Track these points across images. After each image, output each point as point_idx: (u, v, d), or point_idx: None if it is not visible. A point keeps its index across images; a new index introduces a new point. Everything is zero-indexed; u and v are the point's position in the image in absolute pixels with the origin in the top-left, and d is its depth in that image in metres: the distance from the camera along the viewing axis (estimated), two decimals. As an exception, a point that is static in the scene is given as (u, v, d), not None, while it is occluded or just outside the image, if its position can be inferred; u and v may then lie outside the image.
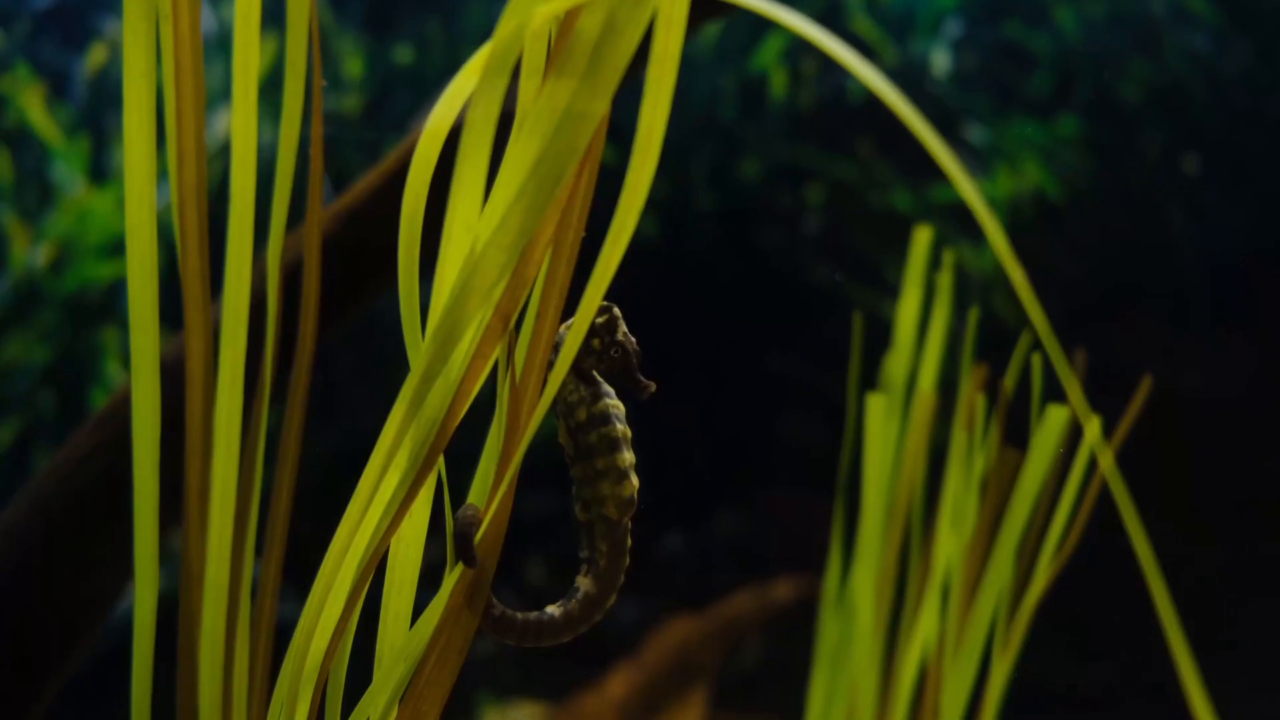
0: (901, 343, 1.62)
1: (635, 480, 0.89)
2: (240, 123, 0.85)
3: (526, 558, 3.14)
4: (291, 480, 0.90)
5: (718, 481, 3.46)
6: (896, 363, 1.60)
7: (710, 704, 2.80)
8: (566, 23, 0.73)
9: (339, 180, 2.96)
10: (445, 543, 0.88)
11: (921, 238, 1.63)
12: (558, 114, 0.69)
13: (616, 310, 0.91)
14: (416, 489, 0.85)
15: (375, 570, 0.89)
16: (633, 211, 0.78)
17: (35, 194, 2.93)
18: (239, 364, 0.86)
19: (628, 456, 0.89)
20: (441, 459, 0.86)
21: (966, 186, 0.69)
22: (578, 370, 0.89)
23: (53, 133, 2.91)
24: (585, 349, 0.89)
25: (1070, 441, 1.48)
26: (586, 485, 0.90)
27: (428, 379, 0.81)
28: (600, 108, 0.69)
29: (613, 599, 0.91)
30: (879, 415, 1.57)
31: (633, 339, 0.90)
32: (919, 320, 1.64)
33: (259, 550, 0.94)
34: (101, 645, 2.51)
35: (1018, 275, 0.70)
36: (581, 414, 0.89)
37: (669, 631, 2.78)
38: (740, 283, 3.44)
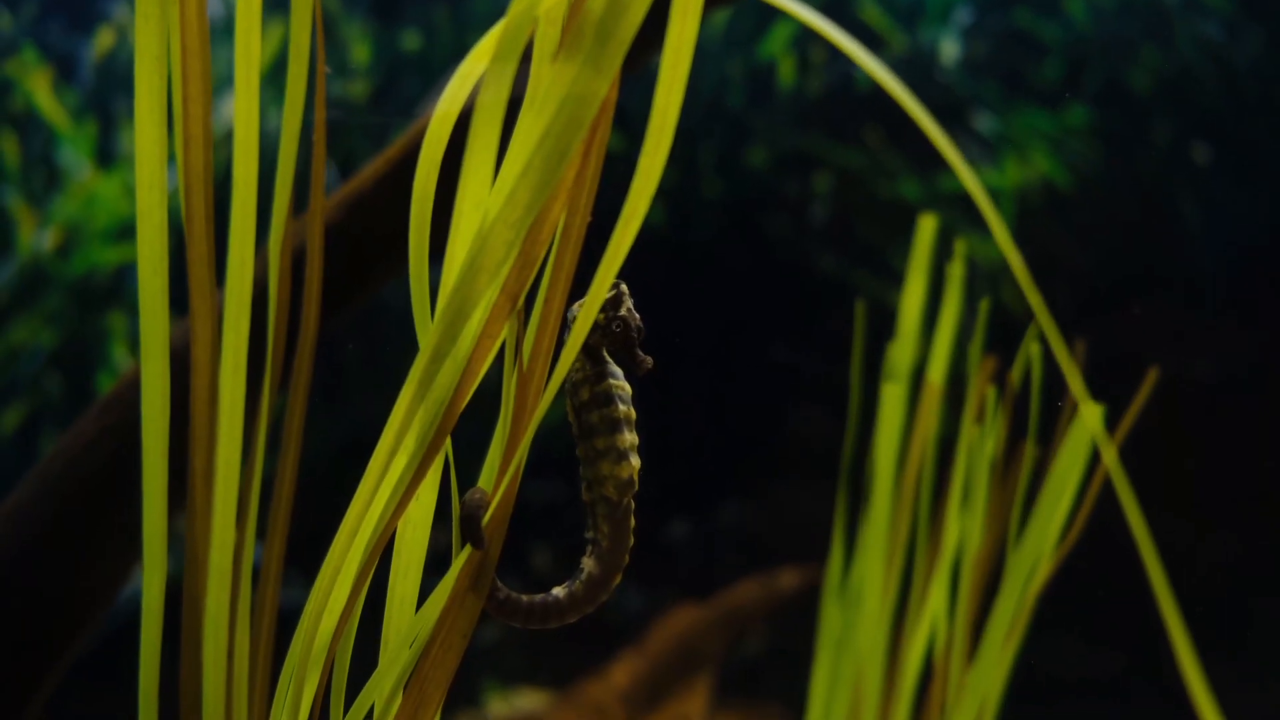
0: (906, 331, 1.61)
1: (636, 462, 0.89)
2: (243, 109, 0.85)
3: (534, 543, 3.14)
4: (294, 466, 0.90)
5: (723, 470, 3.46)
6: (901, 352, 1.60)
7: (714, 692, 2.80)
8: (576, 3, 0.73)
9: (345, 166, 2.95)
10: (451, 528, 0.88)
11: (926, 226, 1.63)
12: (563, 91, 0.70)
13: (624, 287, 0.91)
14: (424, 470, 0.85)
15: (383, 553, 0.89)
16: (645, 195, 0.77)
17: (42, 178, 2.93)
18: (241, 350, 0.86)
19: (628, 437, 0.89)
20: (449, 444, 0.86)
21: (967, 176, 0.69)
22: (585, 347, 0.90)
23: (60, 117, 2.91)
24: (592, 325, 0.90)
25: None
26: (588, 465, 0.90)
27: (437, 358, 0.81)
28: (604, 84, 0.69)
29: (617, 579, 0.91)
30: (889, 405, 1.57)
31: (636, 316, 0.91)
32: (923, 309, 1.64)
33: (263, 536, 0.95)
34: (110, 626, 2.52)
35: (1018, 263, 0.70)
36: (585, 393, 0.90)
37: (673, 620, 2.78)
38: (747, 271, 3.43)
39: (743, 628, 2.89)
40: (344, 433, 2.91)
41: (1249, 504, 2.94)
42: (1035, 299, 0.71)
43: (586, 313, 0.81)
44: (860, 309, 1.65)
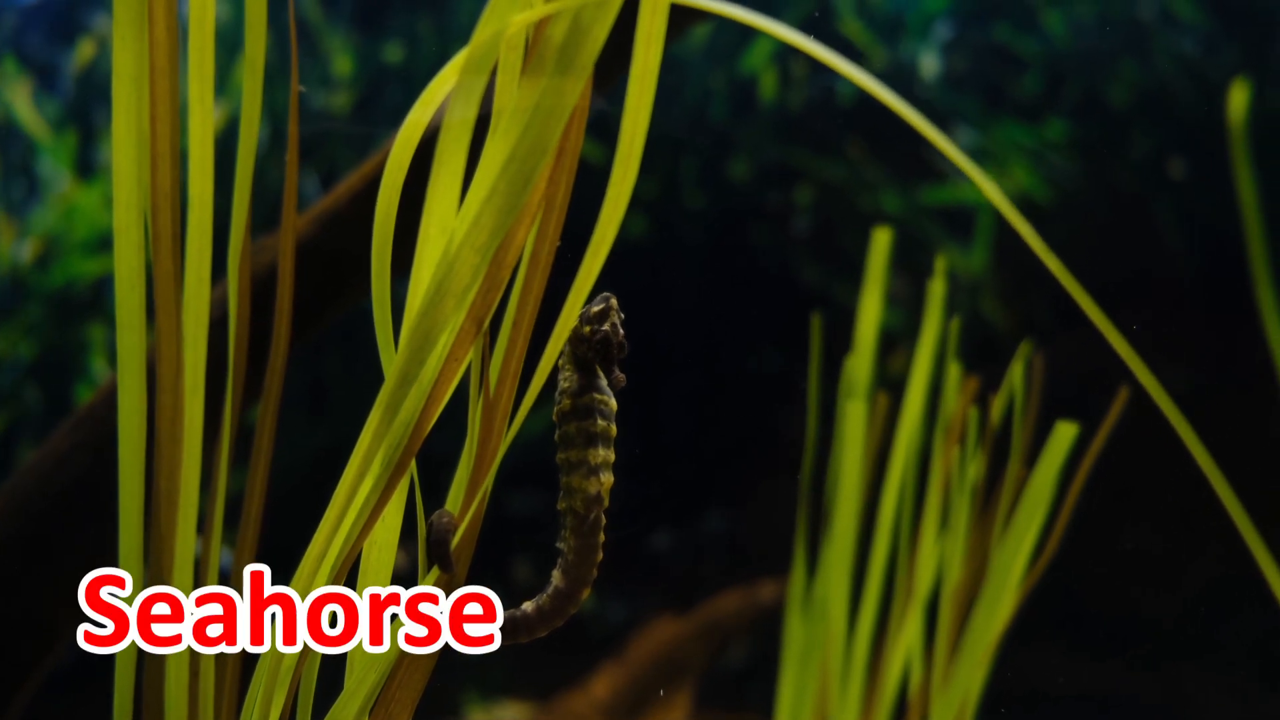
0: (862, 344, 1.62)
1: (605, 479, 0.90)
2: (197, 127, 0.85)
3: (514, 555, 3.13)
4: (263, 484, 0.90)
5: (708, 480, 3.46)
6: (859, 365, 1.61)
7: (695, 704, 2.80)
8: (539, 30, 0.73)
9: (328, 178, 2.95)
10: (417, 547, 0.88)
11: (881, 240, 1.65)
12: (526, 116, 0.70)
13: (613, 301, 0.92)
14: (389, 493, 0.85)
15: (350, 574, 0.89)
16: (614, 222, 0.78)
17: (21, 188, 2.92)
18: (200, 367, 0.86)
19: (601, 453, 0.89)
20: (414, 466, 0.86)
21: (982, 180, 0.69)
22: (576, 359, 0.91)
23: (39, 127, 2.90)
24: (577, 336, 0.90)
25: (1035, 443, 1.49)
26: (562, 474, 0.90)
27: (404, 382, 0.82)
28: (566, 108, 0.70)
29: (585, 593, 0.91)
30: (850, 419, 1.58)
31: (621, 332, 0.91)
32: (881, 321, 1.65)
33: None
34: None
35: (1056, 265, 0.70)
36: (566, 403, 0.90)
37: (653, 631, 2.78)
38: (729, 282, 3.44)
39: (724, 639, 2.88)
40: (329, 439, 2.91)
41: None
42: (1080, 295, 0.71)
43: (563, 327, 0.82)
44: (816, 322, 1.66)
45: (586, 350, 0.90)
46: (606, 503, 0.91)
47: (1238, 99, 0.74)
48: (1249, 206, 0.75)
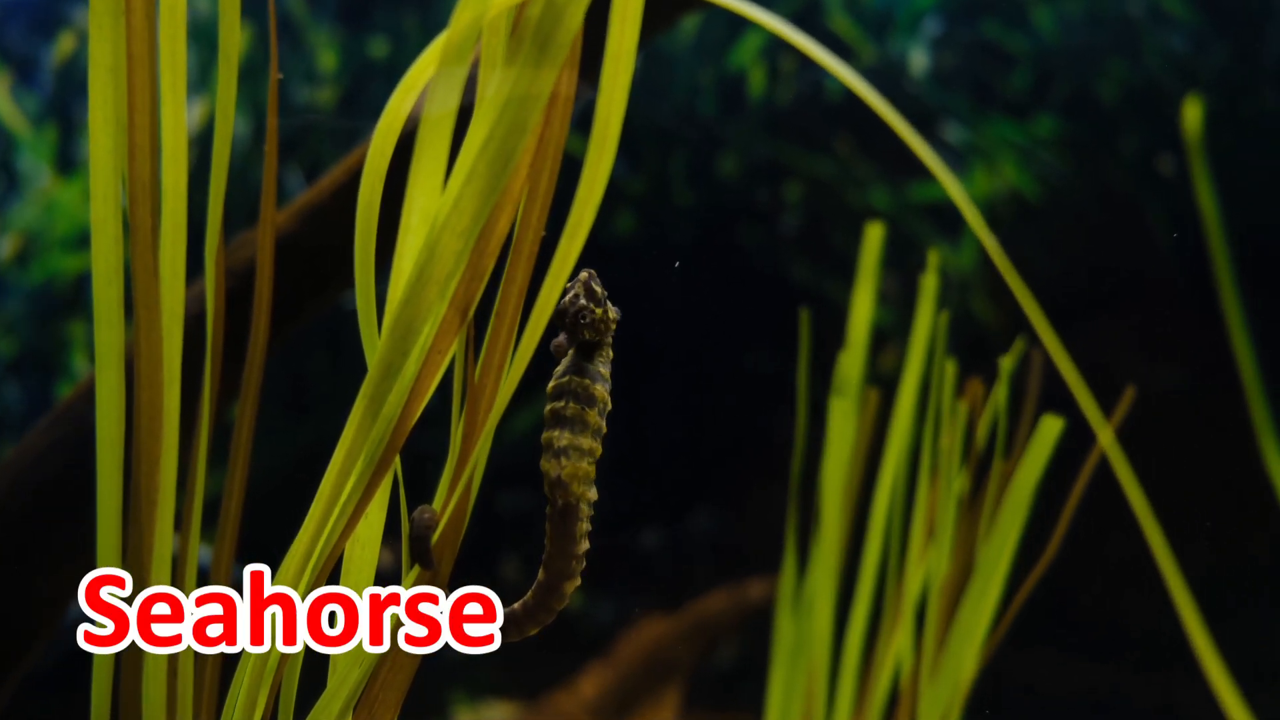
0: (855, 340, 1.60)
1: (568, 464, 0.86)
2: (170, 119, 0.84)
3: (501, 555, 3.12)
4: (242, 481, 0.88)
5: (696, 479, 3.45)
6: (850, 361, 1.59)
7: (684, 703, 2.79)
8: (519, 12, 0.72)
9: (312, 173, 2.93)
10: (401, 545, 0.86)
11: (873, 235, 1.63)
12: (504, 96, 0.69)
13: (585, 275, 0.89)
14: (373, 489, 0.84)
15: (332, 574, 0.87)
16: (590, 205, 0.76)
17: (0, 184, 2.89)
18: (176, 361, 0.84)
19: (566, 436, 0.86)
20: (398, 462, 0.84)
21: (950, 182, 0.69)
22: (571, 340, 0.89)
23: (19, 122, 2.87)
24: (556, 309, 0.88)
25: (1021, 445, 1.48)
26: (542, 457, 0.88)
27: (387, 374, 0.80)
28: (545, 86, 0.68)
29: (569, 585, 0.88)
30: (838, 417, 1.57)
31: (581, 301, 0.88)
32: (873, 317, 1.64)
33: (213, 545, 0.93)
34: (67, 638, 2.48)
35: (1006, 267, 0.69)
36: (551, 384, 0.88)
37: (641, 631, 2.76)
38: (719, 280, 3.43)
39: (713, 638, 2.87)
40: (311, 437, 2.88)
41: (1223, 513, 2.94)
42: (1031, 307, 0.71)
43: (540, 315, 0.80)
44: (805, 318, 1.64)
45: (559, 320, 0.88)
46: (581, 490, 0.87)
47: (1192, 115, 0.73)
48: (1210, 215, 0.74)
